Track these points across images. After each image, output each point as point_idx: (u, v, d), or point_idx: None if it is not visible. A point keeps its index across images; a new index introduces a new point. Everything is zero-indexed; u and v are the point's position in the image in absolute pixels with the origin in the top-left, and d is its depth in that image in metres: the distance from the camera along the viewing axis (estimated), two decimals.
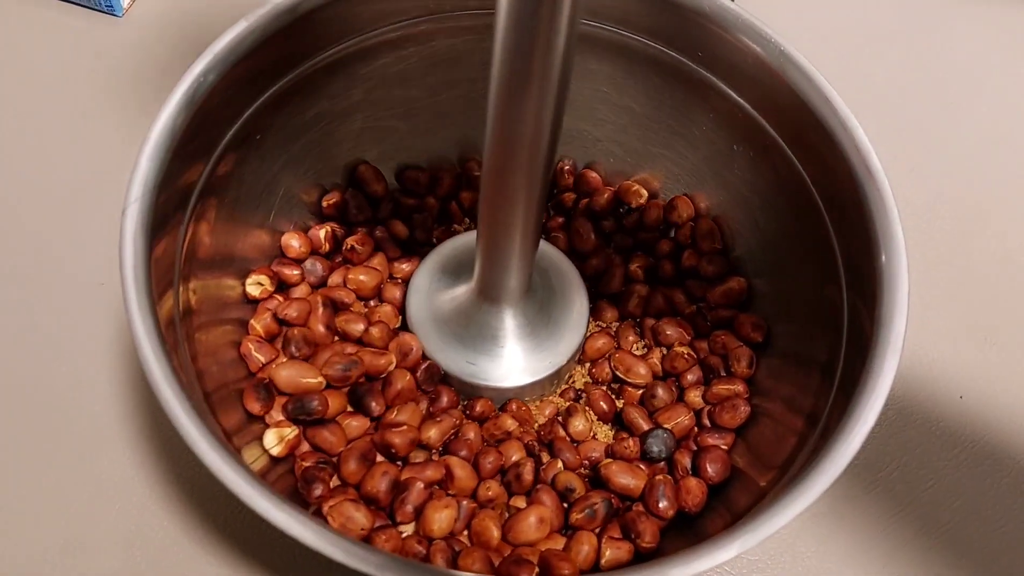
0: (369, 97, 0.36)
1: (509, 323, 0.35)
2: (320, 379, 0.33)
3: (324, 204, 0.38)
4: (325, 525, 0.24)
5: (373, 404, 0.34)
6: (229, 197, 0.32)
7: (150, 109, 0.27)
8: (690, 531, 0.32)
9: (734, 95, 0.33)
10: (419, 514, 0.31)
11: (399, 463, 0.33)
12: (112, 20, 0.49)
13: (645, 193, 0.40)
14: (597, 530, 0.32)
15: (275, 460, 0.31)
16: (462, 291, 0.36)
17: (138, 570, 0.34)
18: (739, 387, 0.35)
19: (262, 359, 0.33)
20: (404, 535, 0.31)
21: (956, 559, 0.36)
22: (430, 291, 0.37)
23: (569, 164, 0.41)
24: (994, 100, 0.50)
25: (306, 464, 0.31)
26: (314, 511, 0.30)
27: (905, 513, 0.37)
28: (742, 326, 0.36)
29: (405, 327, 0.37)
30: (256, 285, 0.35)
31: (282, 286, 0.37)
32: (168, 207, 0.28)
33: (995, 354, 0.41)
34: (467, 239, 0.38)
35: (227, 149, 0.31)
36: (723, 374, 0.36)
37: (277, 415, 0.33)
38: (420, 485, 0.31)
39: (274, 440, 0.32)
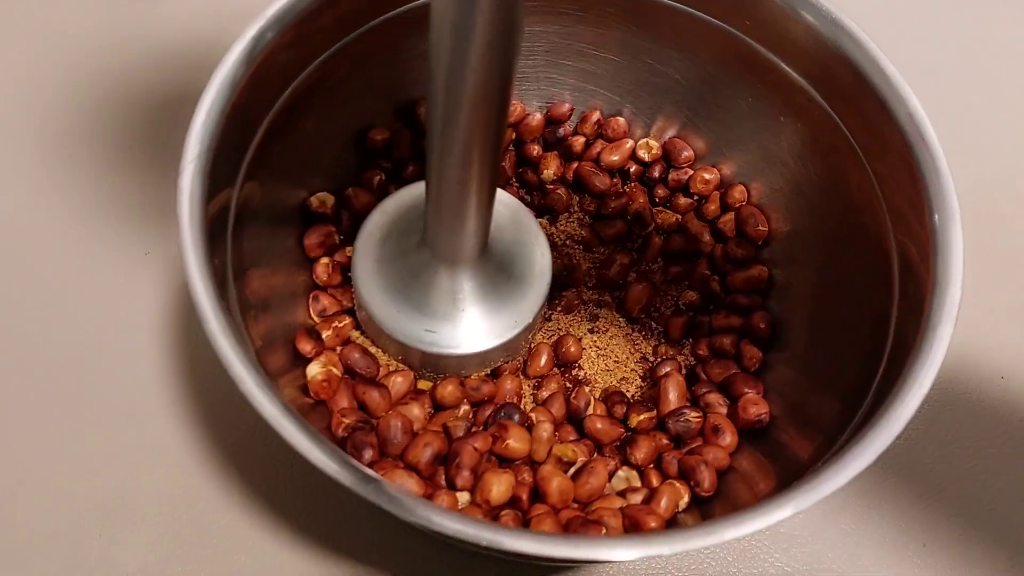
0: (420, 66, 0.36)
1: (468, 284, 0.32)
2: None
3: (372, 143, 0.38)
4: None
5: None
6: (279, 156, 0.32)
7: (193, 89, 0.27)
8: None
9: (783, 65, 0.33)
10: (475, 478, 0.31)
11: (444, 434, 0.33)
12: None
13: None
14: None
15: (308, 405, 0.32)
16: (413, 251, 0.33)
17: (181, 534, 0.34)
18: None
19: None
20: (461, 504, 0.30)
21: (995, 541, 0.36)
22: (379, 252, 0.34)
23: (597, 115, 0.40)
24: None
25: (347, 422, 0.31)
26: None
27: (945, 493, 0.37)
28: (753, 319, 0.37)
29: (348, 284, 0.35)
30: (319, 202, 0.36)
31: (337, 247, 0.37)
32: (223, 166, 0.28)
33: None
34: (413, 192, 0.35)
35: (280, 111, 0.31)
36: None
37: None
38: (471, 447, 0.31)
39: (318, 368, 0.32)
